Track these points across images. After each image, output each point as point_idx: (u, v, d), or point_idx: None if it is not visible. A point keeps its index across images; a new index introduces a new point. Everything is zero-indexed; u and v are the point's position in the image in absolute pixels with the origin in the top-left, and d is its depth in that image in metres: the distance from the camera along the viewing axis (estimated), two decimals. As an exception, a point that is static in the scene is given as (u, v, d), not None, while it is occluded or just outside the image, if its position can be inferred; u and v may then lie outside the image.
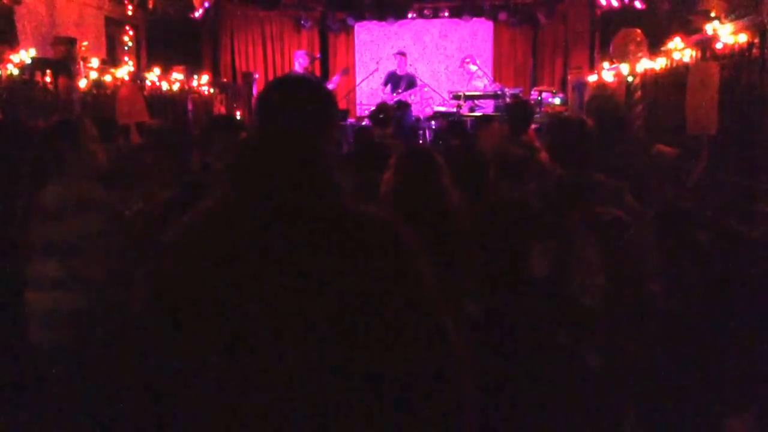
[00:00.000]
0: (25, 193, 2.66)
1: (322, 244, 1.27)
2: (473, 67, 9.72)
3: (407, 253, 1.32)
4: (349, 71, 10.75)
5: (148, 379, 1.33)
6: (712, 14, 5.27)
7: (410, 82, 9.43)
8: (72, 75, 6.36)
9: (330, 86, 9.23)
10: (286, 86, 1.46)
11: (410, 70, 9.58)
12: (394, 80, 9.42)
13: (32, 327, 2.57)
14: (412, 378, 1.27)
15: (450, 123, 8.01)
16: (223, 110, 9.35)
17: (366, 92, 10.82)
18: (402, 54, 9.54)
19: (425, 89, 9.66)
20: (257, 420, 1.25)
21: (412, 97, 9.37)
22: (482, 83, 9.57)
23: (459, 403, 1.30)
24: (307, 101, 1.38)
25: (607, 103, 4.48)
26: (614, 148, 3.75)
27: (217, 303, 1.26)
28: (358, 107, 10.64)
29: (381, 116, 5.35)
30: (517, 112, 4.79)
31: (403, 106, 9.03)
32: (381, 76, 9.78)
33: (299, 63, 9.22)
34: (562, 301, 2.58)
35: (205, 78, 9.40)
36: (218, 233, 1.31)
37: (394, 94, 9.26)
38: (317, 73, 10.23)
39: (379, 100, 9.27)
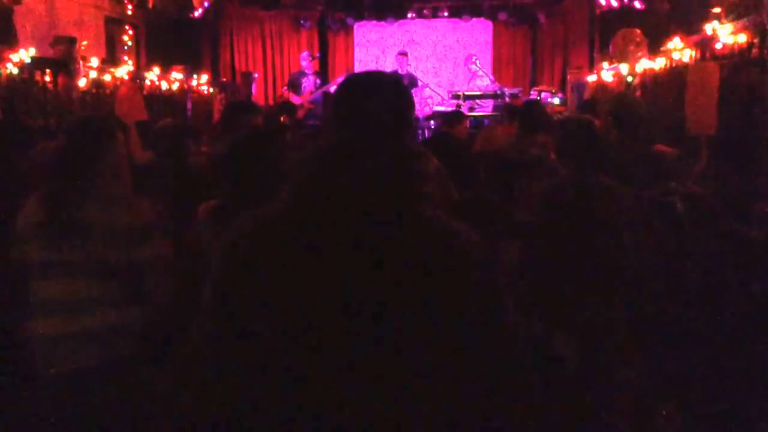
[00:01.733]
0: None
1: (405, 249, 1.23)
2: (474, 67, 9.73)
3: (487, 266, 1.29)
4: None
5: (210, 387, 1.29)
6: (716, 10, 5.26)
7: (411, 82, 9.45)
8: (71, 74, 6.36)
9: (333, 89, 9.27)
10: (367, 85, 1.36)
11: (410, 69, 9.60)
12: None
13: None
14: (488, 387, 1.26)
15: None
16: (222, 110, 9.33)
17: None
18: (404, 54, 9.56)
19: (425, 89, 9.66)
20: (328, 420, 1.22)
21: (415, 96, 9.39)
22: (483, 83, 9.58)
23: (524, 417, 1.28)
24: (389, 101, 1.31)
25: (629, 103, 4.44)
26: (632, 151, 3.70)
27: (293, 309, 1.22)
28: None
29: None
30: (530, 111, 4.76)
31: None
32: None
33: (304, 65, 9.41)
34: None
35: (204, 77, 9.40)
36: (294, 236, 1.25)
37: None
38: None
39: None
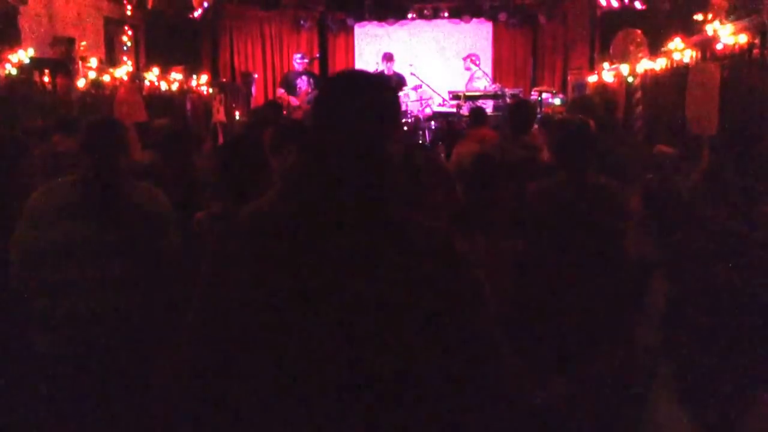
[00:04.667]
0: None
1: (384, 250, 1.25)
2: (474, 67, 9.72)
3: (467, 265, 1.33)
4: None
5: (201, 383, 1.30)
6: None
7: (398, 83, 9.43)
8: (71, 75, 6.36)
9: None
10: (349, 85, 1.34)
11: (411, 70, 9.59)
12: None
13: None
14: (465, 386, 1.28)
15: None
16: (222, 110, 9.33)
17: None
18: (389, 56, 9.56)
19: (420, 89, 9.64)
20: (313, 418, 1.23)
21: (410, 96, 9.38)
22: (483, 84, 9.56)
23: (505, 412, 1.30)
24: (371, 101, 1.30)
25: (588, 103, 4.45)
26: (611, 148, 3.71)
27: (275, 305, 1.24)
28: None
29: None
30: (519, 112, 4.76)
31: None
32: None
33: (297, 65, 9.46)
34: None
35: (204, 78, 9.39)
36: (279, 234, 1.27)
37: None
38: (315, 73, 10.24)
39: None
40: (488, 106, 9.13)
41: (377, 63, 10.08)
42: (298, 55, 9.87)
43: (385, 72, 9.46)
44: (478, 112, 6.11)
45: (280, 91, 9.70)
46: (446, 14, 11.22)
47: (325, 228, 1.25)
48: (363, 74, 1.41)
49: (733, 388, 2.82)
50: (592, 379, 2.55)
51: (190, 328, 1.33)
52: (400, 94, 9.36)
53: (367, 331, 1.22)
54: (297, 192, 1.30)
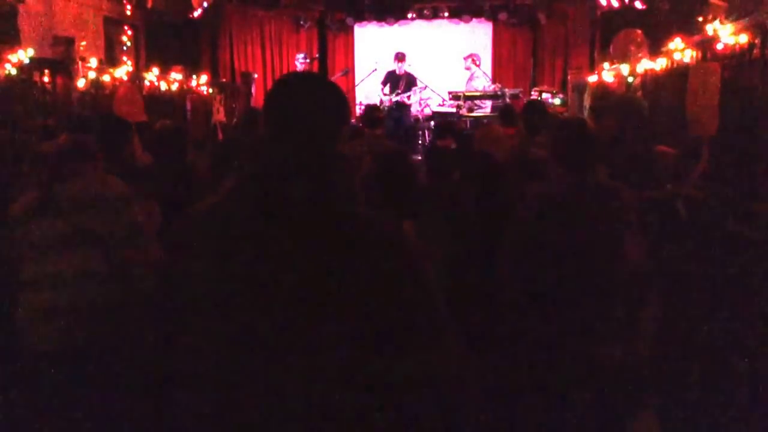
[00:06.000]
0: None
1: (328, 244, 1.27)
2: (474, 67, 9.71)
3: (410, 255, 1.33)
4: (349, 72, 10.77)
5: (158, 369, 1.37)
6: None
7: (409, 82, 9.45)
8: (70, 75, 6.36)
9: None
10: (295, 86, 1.41)
11: (409, 70, 9.60)
12: (392, 80, 9.45)
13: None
14: (413, 380, 1.28)
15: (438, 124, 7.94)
16: (222, 110, 9.33)
17: (365, 92, 10.79)
18: (401, 55, 9.57)
19: (424, 89, 9.65)
20: (257, 416, 1.25)
21: (411, 97, 9.39)
22: (482, 83, 9.56)
23: (458, 407, 1.30)
24: (318, 101, 1.35)
25: (631, 103, 4.41)
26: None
27: (222, 299, 1.27)
28: (357, 107, 10.63)
29: (371, 117, 5.40)
30: (533, 113, 4.73)
31: (401, 107, 9.04)
32: (381, 77, 9.82)
33: (299, 65, 9.40)
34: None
35: (204, 78, 9.38)
36: (226, 229, 1.32)
37: (393, 95, 9.27)
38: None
39: (377, 100, 9.35)
40: (487, 107, 9.14)
41: (376, 62, 10.11)
42: (301, 56, 9.89)
43: (396, 72, 9.46)
44: (508, 111, 5.92)
45: None
46: (446, 14, 11.22)
47: (269, 220, 1.29)
48: (311, 75, 1.53)
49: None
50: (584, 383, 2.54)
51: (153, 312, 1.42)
52: (410, 93, 9.40)
53: (307, 322, 1.24)
54: (246, 186, 1.35)
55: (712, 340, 3.19)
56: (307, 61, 9.84)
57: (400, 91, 9.34)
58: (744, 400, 3.16)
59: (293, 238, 1.26)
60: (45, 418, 2.48)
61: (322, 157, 1.33)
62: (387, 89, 9.48)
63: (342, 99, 1.41)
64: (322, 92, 1.38)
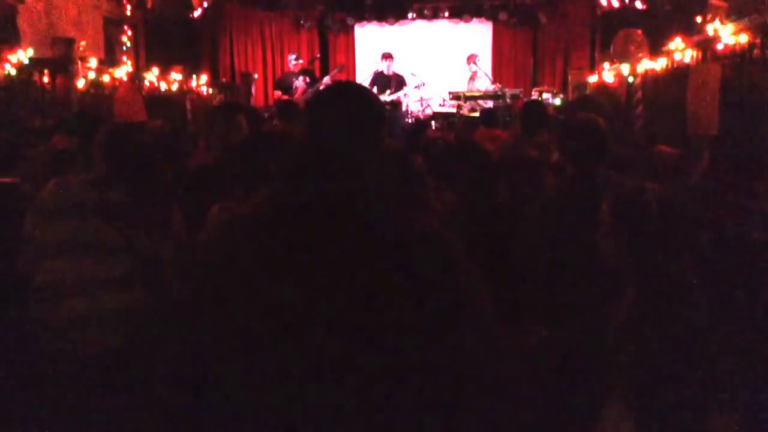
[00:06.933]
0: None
1: (369, 250, 1.28)
2: (474, 67, 9.71)
3: (456, 263, 1.32)
4: (344, 68, 10.77)
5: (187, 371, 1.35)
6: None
7: (399, 83, 9.42)
8: (70, 75, 6.35)
9: (325, 82, 9.36)
10: (339, 96, 1.46)
11: (399, 71, 9.56)
12: (381, 81, 9.41)
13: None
14: (459, 384, 1.28)
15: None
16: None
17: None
18: (389, 55, 9.54)
19: (420, 87, 9.61)
20: (289, 415, 1.25)
21: (402, 97, 9.39)
22: (484, 84, 9.55)
23: (508, 413, 1.31)
24: (359, 112, 1.40)
25: (594, 103, 4.43)
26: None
27: (258, 302, 1.27)
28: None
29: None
30: (531, 112, 4.72)
31: (395, 106, 9.02)
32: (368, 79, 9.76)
33: (291, 66, 9.53)
34: None
35: (203, 78, 9.38)
36: (265, 232, 1.32)
37: (385, 95, 9.24)
38: (316, 73, 10.23)
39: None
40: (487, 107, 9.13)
41: (376, 68, 10.10)
42: (292, 56, 9.86)
43: (385, 71, 9.45)
44: (490, 114, 6.22)
45: (277, 93, 9.74)
46: (446, 14, 11.21)
47: (311, 226, 1.29)
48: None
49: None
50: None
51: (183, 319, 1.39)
52: (400, 93, 9.39)
53: (349, 327, 1.24)
54: (288, 191, 1.37)
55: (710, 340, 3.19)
56: (300, 61, 9.80)
57: (391, 92, 9.31)
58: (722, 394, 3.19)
59: (342, 242, 1.27)
60: (60, 422, 2.45)
61: (366, 160, 1.36)
62: (375, 90, 9.49)
63: (380, 111, 1.47)
64: (363, 99, 1.44)
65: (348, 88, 1.56)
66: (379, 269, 1.26)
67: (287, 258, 1.28)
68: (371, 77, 9.59)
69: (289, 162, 1.40)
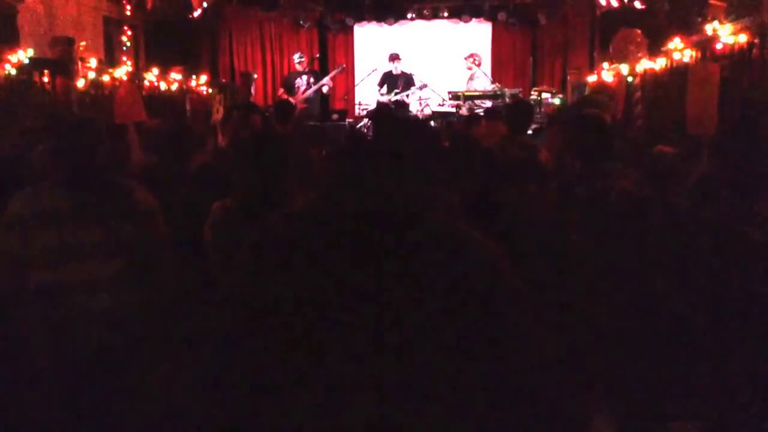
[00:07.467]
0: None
1: (415, 255, 1.28)
2: (474, 67, 9.72)
3: (500, 271, 1.33)
4: (344, 68, 10.80)
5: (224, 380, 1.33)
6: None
7: (407, 82, 9.51)
8: (70, 75, 6.35)
9: (325, 83, 9.40)
10: (398, 120, 1.54)
11: (408, 70, 9.62)
12: (390, 81, 9.52)
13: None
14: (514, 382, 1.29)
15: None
16: (222, 110, 9.32)
17: (365, 92, 10.80)
18: (396, 56, 9.62)
19: (424, 89, 9.68)
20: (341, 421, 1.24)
21: (409, 96, 9.45)
22: (483, 84, 9.56)
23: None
24: (415, 133, 1.51)
25: (599, 102, 4.44)
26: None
27: (303, 305, 1.27)
28: (356, 107, 10.64)
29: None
30: (517, 111, 4.74)
31: (400, 106, 9.08)
32: (378, 78, 9.90)
33: (297, 65, 9.69)
34: None
35: (203, 78, 9.38)
36: (312, 235, 1.33)
37: (392, 94, 9.33)
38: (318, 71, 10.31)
39: (375, 102, 9.42)
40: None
41: (375, 69, 10.16)
42: (297, 55, 9.94)
43: (393, 72, 9.52)
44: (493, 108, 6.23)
45: (281, 91, 9.83)
46: (446, 14, 11.21)
47: (357, 230, 1.30)
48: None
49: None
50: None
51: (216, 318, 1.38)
52: (409, 92, 9.48)
53: (392, 334, 1.24)
54: (340, 195, 1.37)
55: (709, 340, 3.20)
56: (304, 59, 9.87)
57: (398, 91, 9.39)
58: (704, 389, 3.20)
59: (381, 247, 1.28)
60: (60, 424, 2.46)
61: (410, 171, 1.37)
62: (384, 89, 9.55)
63: (435, 136, 1.60)
64: (417, 122, 1.53)
65: (409, 120, 1.63)
66: (440, 279, 1.26)
67: (352, 261, 1.28)
68: (381, 77, 9.78)
69: (337, 167, 1.41)
